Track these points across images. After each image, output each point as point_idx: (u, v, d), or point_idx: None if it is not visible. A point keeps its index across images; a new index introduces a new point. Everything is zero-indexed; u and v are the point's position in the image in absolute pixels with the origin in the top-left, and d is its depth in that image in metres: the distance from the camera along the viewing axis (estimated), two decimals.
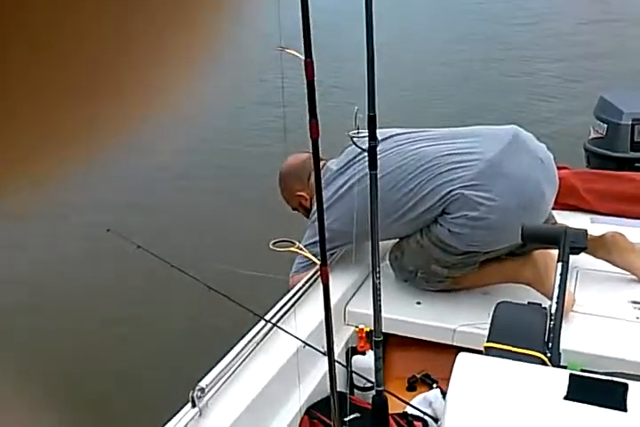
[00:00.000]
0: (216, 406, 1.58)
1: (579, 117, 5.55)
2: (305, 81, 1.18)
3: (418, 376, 2.04)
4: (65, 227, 4.31)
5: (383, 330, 1.42)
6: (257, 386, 1.67)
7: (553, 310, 1.42)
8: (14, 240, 3.87)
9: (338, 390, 1.43)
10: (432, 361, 2.02)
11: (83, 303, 3.59)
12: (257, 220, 4.29)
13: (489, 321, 1.40)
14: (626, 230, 2.31)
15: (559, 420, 1.10)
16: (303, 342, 1.77)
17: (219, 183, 5.22)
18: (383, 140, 2.00)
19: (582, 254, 1.87)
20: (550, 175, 2.11)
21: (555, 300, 1.45)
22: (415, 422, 1.75)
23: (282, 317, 1.88)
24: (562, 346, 1.38)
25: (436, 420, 1.75)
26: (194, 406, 1.53)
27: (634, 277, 2.21)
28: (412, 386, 2.03)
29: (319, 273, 1.33)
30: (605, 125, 3.56)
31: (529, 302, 1.48)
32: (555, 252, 1.59)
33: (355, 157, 2.09)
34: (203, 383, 1.56)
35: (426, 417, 1.77)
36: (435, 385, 1.97)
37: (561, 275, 1.49)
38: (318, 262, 1.31)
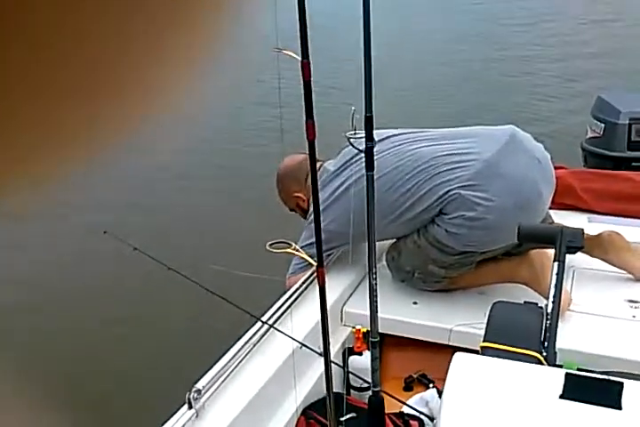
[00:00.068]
0: (212, 407, 1.57)
1: (577, 117, 5.55)
2: (302, 82, 1.18)
3: (414, 376, 2.04)
4: (65, 227, 4.31)
5: (380, 330, 1.41)
6: (253, 387, 1.66)
7: (549, 310, 1.43)
8: (14, 240, 3.87)
9: (334, 390, 1.43)
10: (429, 361, 2.02)
11: (83, 303, 3.59)
12: (256, 220, 4.29)
13: (485, 321, 1.41)
14: (623, 230, 2.31)
15: (555, 419, 1.10)
16: (300, 342, 1.77)
17: (218, 183, 5.22)
18: (380, 141, 2.00)
19: (579, 254, 1.87)
20: (547, 175, 2.12)
21: (551, 299, 1.45)
22: (411, 422, 1.75)
23: (279, 318, 1.88)
24: (558, 345, 1.38)
25: (432, 419, 1.76)
26: (190, 407, 1.52)
27: (630, 276, 2.22)
28: (409, 386, 2.03)
29: (316, 274, 1.33)
30: (603, 125, 3.57)
31: (525, 302, 1.48)
32: (551, 251, 1.59)
33: (352, 158, 2.09)
34: (199, 385, 1.55)
35: (422, 416, 1.77)
36: (431, 385, 1.96)
37: (557, 274, 1.50)
38: (315, 264, 1.32)
